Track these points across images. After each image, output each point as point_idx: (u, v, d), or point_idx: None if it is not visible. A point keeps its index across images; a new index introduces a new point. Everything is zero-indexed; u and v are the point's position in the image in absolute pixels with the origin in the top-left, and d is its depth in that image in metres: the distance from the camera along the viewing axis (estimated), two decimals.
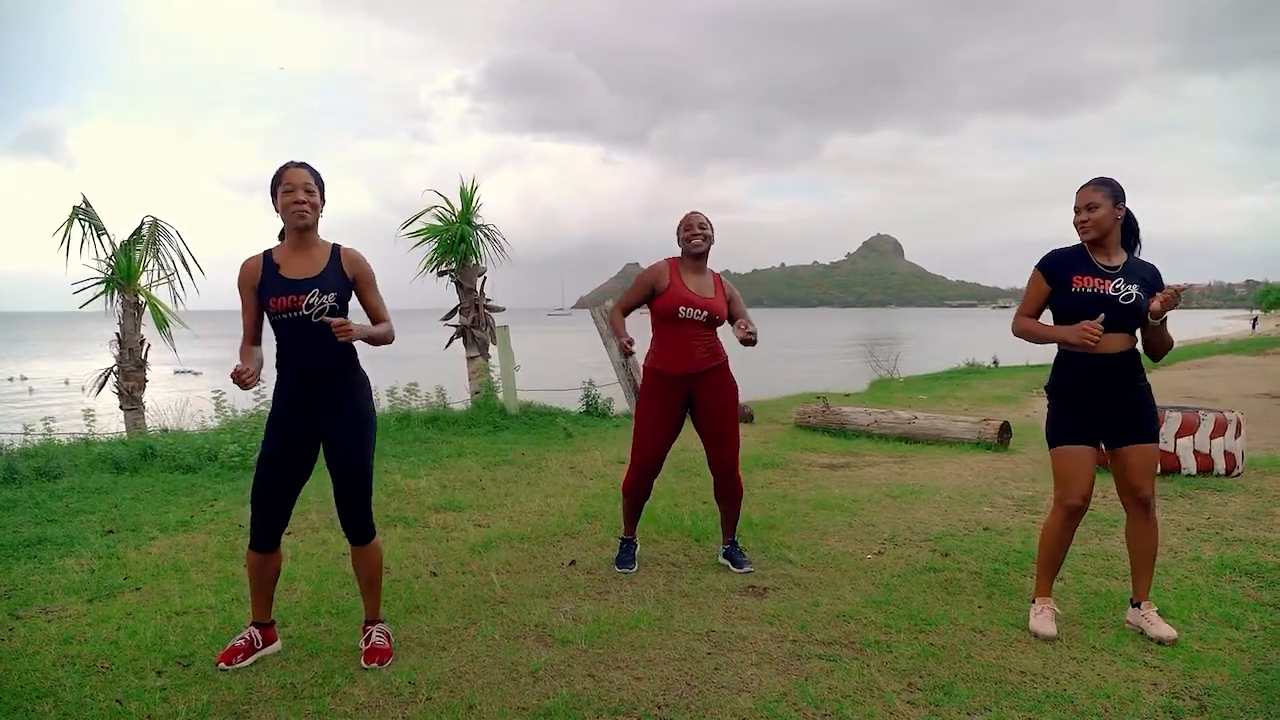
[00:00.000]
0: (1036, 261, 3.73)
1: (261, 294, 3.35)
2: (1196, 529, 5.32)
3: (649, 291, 4.50)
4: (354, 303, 3.46)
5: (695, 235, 4.45)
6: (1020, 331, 3.80)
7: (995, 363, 22.72)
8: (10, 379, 36.00)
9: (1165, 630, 3.61)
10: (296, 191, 3.33)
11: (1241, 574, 4.45)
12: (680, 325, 4.39)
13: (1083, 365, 3.62)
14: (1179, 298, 3.49)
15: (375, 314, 3.51)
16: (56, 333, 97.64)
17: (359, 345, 3.47)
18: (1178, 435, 6.77)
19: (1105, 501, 5.86)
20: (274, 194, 3.38)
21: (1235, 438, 6.77)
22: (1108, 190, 3.59)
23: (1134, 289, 3.54)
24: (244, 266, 3.41)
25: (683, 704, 3.07)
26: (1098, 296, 3.55)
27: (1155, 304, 3.50)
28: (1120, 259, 3.62)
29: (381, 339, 3.39)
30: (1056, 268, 3.65)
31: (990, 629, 3.76)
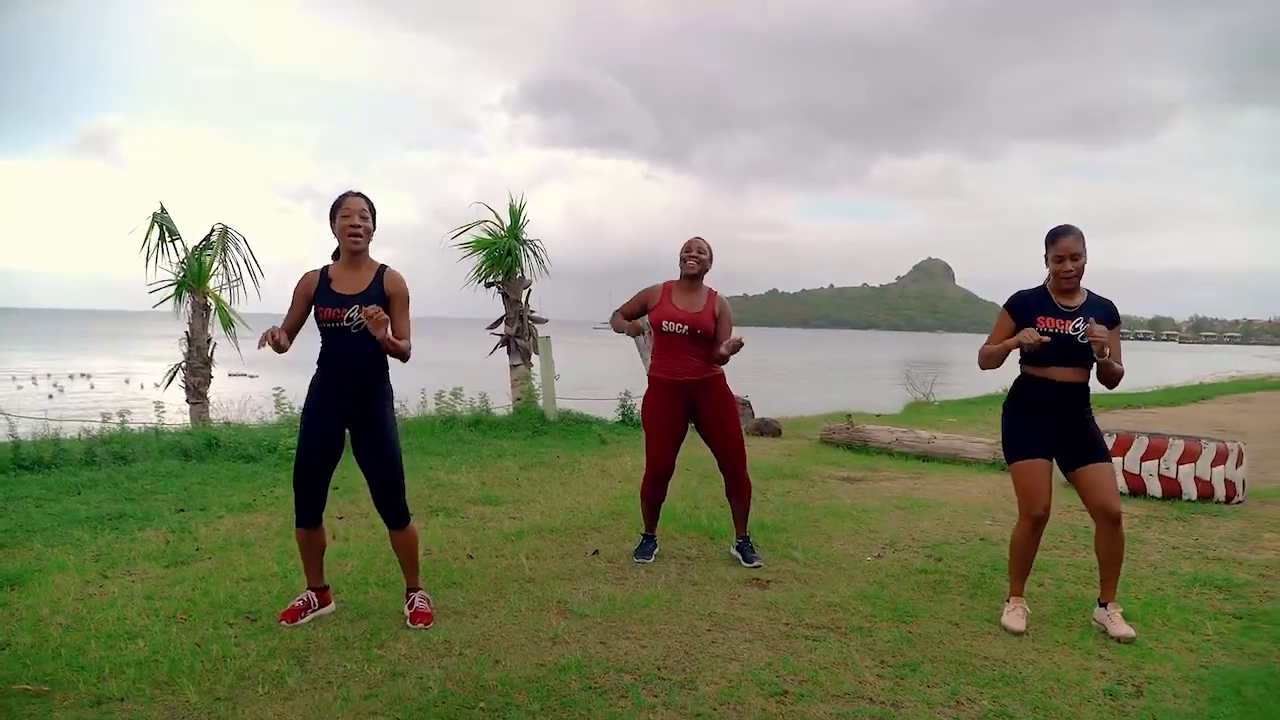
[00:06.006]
0: (1004, 301, 4.17)
1: (314, 302, 3.90)
2: (1182, 548, 5.65)
3: (641, 306, 5.03)
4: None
5: (690, 258, 4.94)
6: (981, 357, 4.19)
7: None
8: (71, 376, 37.26)
9: (1124, 629, 3.99)
10: (353, 217, 3.87)
11: (1212, 587, 4.80)
12: (669, 338, 4.91)
13: (1040, 391, 4.06)
14: (1104, 347, 3.86)
15: (398, 333, 3.89)
16: (117, 330, 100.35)
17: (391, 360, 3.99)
18: (1180, 462, 7.07)
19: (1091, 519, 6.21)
20: (333, 219, 3.92)
21: (1236, 466, 7.06)
22: (1083, 240, 3.98)
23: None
24: (304, 277, 3.98)
25: (679, 667, 3.54)
26: (1058, 336, 3.98)
27: (1095, 348, 3.88)
28: (1080, 299, 4.04)
29: (398, 351, 3.85)
30: (1022, 308, 4.08)
31: (966, 622, 4.16)
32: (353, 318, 3.81)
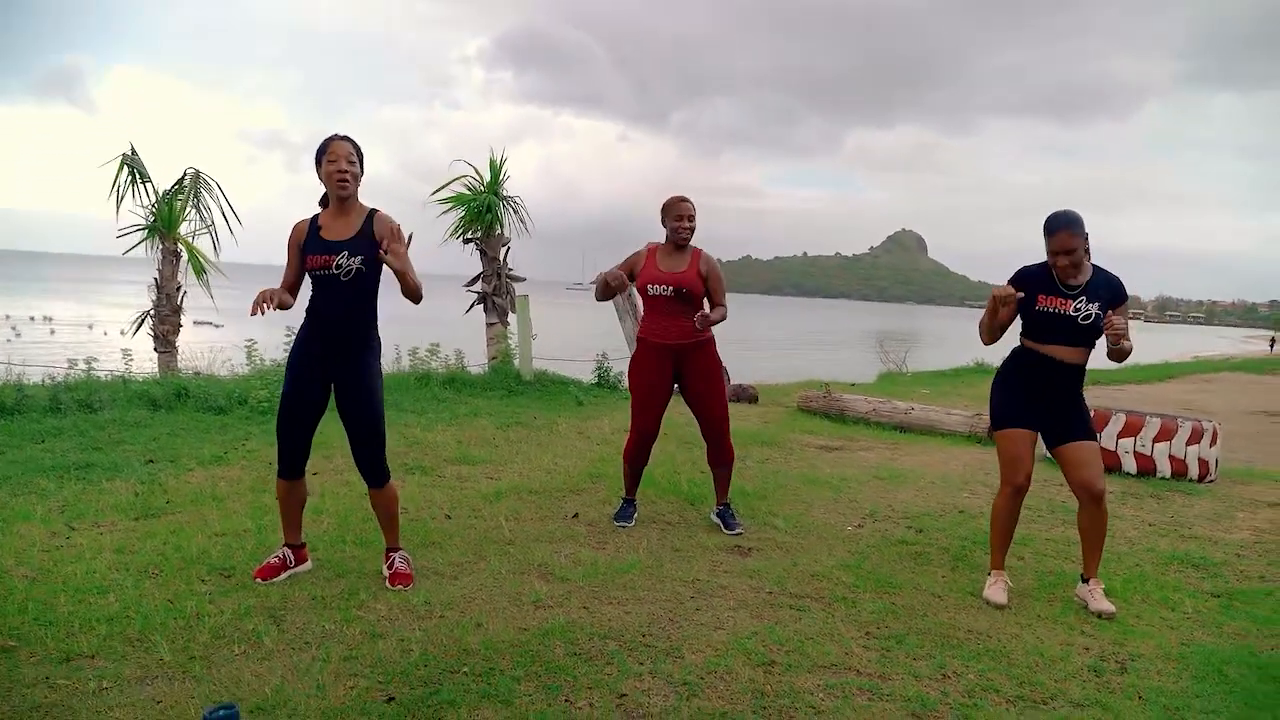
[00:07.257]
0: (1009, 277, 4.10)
1: (302, 251, 3.77)
2: (1158, 525, 5.69)
3: (629, 271, 4.88)
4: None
5: (684, 229, 4.82)
6: (981, 330, 4.16)
7: None
8: (31, 318, 36.60)
9: (1105, 605, 4.00)
10: (339, 162, 3.72)
11: (1189, 566, 4.83)
12: (655, 301, 4.84)
13: (1037, 366, 4.04)
14: (1121, 336, 3.80)
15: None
16: (84, 274, 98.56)
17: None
18: (1155, 440, 7.12)
19: (1071, 495, 6.24)
20: (319, 163, 3.77)
21: (1210, 445, 7.11)
22: (1078, 229, 3.84)
23: (1093, 308, 3.90)
24: (295, 227, 3.84)
25: (664, 634, 3.50)
26: (1059, 316, 3.93)
27: (1109, 334, 3.81)
28: (1085, 277, 3.95)
29: (414, 283, 3.75)
30: (1023, 285, 4.00)
31: (948, 595, 4.15)
32: (342, 264, 3.69)
